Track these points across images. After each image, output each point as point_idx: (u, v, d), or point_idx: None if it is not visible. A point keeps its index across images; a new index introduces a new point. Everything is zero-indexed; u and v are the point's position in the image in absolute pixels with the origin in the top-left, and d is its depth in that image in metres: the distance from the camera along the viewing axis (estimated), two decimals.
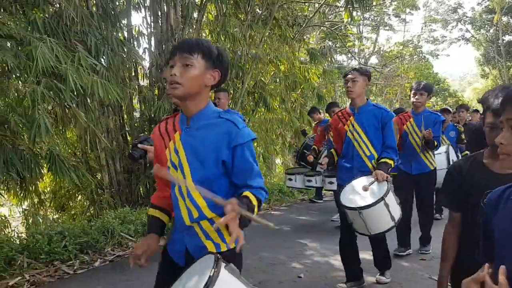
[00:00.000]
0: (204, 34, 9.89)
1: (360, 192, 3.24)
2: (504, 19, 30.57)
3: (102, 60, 6.53)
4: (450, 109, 7.29)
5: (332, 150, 3.75)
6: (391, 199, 3.21)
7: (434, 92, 4.62)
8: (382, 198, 3.09)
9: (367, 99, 3.56)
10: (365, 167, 3.43)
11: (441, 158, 5.35)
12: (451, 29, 34.81)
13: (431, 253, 4.61)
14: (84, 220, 5.88)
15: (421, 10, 33.93)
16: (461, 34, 34.88)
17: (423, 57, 29.21)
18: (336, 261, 4.44)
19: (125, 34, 7.58)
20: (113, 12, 7.07)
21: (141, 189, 7.36)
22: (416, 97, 4.49)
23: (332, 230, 5.83)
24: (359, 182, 3.32)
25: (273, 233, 5.70)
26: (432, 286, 3.61)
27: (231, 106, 9.85)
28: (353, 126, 3.48)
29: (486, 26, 32.55)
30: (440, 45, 32.56)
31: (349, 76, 3.42)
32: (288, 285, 3.76)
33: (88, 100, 6.18)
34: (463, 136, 6.65)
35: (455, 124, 6.89)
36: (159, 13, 7.66)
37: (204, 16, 9.22)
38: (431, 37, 30.70)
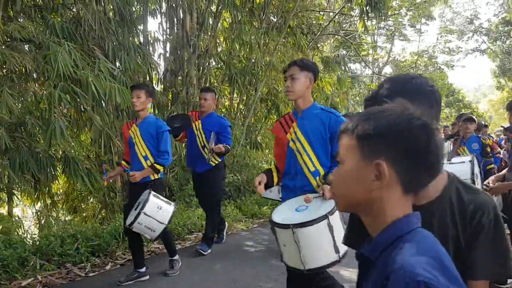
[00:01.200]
0: (219, 41, 9.97)
1: (300, 209, 2.48)
2: None
3: (118, 64, 6.62)
4: (475, 118, 6.36)
5: (272, 166, 2.99)
6: (337, 221, 2.38)
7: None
8: (326, 216, 2.28)
9: (314, 101, 2.87)
10: (308, 186, 2.71)
11: (465, 168, 4.62)
12: (467, 40, 34.53)
13: None
14: (96, 223, 5.93)
15: (436, 21, 33.73)
16: (477, 45, 34.59)
17: (438, 67, 29.02)
18: (347, 271, 4.40)
19: (141, 39, 7.67)
20: (129, 18, 7.15)
21: None
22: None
23: None
24: (298, 200, 2.59)
25: None
26: None
27: (243, 112, 9.91)
28: (295, 134, 2.78)
29: (503, 37, 32.24)
30: (455, 56, 32.31)
31: (287, 72, 2.76)
32: None
33: (104, 104, 6.26)
34: (488, 149, 5.93)
35: (479, 136, 6.20)
36: (175, 20, 7.75)
37: (219, 23, 9.30)
38: (447, 47, 30.48)
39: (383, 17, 11.32)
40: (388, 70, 27.17)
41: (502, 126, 10.10)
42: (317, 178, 2.72)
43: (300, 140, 2.75)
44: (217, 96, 5.54)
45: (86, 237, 4.77)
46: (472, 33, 33.51)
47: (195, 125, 5.03)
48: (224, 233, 5.67)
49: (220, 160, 5.04)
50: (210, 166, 4.93)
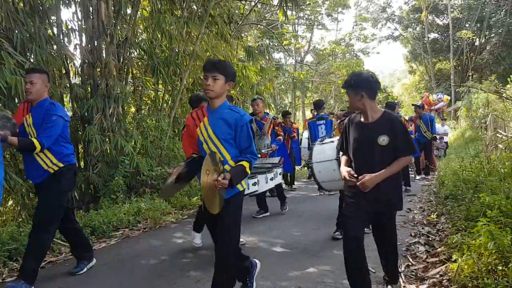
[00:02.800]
0: (140, 30, 9.70)
1: None
2: (429, 17, 32.63)
3: (31, 56, 6.26)
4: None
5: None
6: None
7: (234, 75, 2.98)
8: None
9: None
10: None
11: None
12: (381, 28, 36.69)
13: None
14: (14, 226, 5.59)
15: (352, 9, 35.29)
16: (390, 32, 36.83)
17: (354, 54, 30.45)
18: (273, 254, 4.59)
19: (55, 30, 7.28)
20: (41, 8, 6.77)
21: (75, 192, 7.13)
22: (208, 82, 2.83)
23: (269, 223, 6.02)
24: None
25: None
26: None
27: (170, 103, 9.78)
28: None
29: (413, 24, 34.59)
30: (370, 43, 34.13)
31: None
32: None
33: (16, 100, 5.89)
34: None
35: None
36: (90, 9, 7.42)
37: (139, 12, 9.04)
38: (362, 35, 32.09)
39: (300, 8, 11.64)
40: (309, 58, 28.07)
41: (413, 104, 11.46)
42: None
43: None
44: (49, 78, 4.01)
45: (2, 241, 4.50)
46: (385, 20, 35.58)
47: (26, 120, 3.80)
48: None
49: (63, 165, 3.82)
50: (48, 173, 3.79)
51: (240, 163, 2.89)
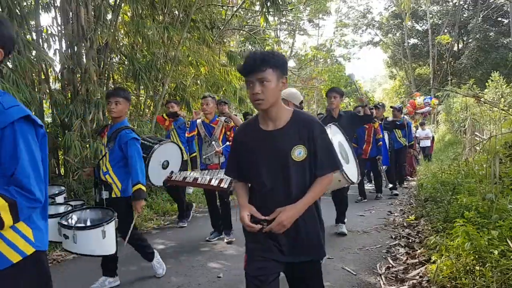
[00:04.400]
0: (121, 35, 9.64)
1: None
2: (409, 23, 33.21)
3: (8, 63, 6.16)
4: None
5: None
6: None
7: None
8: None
9: None
10: None
11: None
12: (361, 33, 37.21)
13: (344, 245, 4.91)
14: None
15: (333, 15, 35.68)
16: (371, 38, 37.38)
17: (335, 60, 30.74)
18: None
19: (34, 35, 7.18)
20: (19, 13, 6.68)
21: None
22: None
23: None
24: None
25: (193, 236, 5.72)
26: (344, 276, 3.88)
27: (151, 108, 9.72)
28: None
29: (393, 30, 35.14)
30: (351, 49, 34.60)
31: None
32: (207, 286, 3.81)
33: None
34: None
35: None
36: (70, 14, 7.34)
37: (120, 17, 8.99)
38: (343, 41, 32.49)
39: (282, 13, 11.74)
40: (291, 64, 28.22)
41: (391, 107, 11.46)
42: None
43: None
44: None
45: None
46: (365, 26, 36.09)
47: None
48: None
49: None
50: None
51: None
